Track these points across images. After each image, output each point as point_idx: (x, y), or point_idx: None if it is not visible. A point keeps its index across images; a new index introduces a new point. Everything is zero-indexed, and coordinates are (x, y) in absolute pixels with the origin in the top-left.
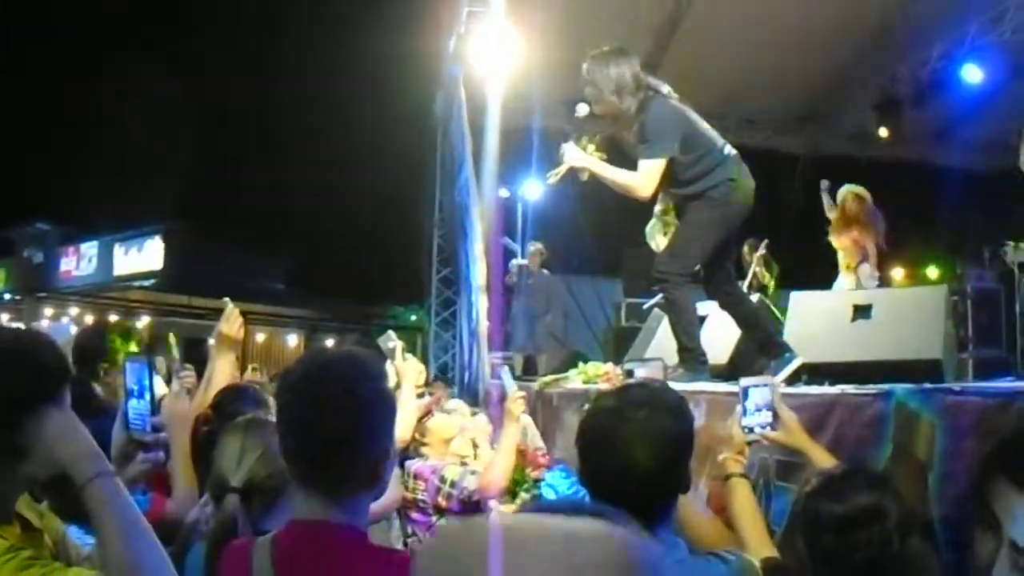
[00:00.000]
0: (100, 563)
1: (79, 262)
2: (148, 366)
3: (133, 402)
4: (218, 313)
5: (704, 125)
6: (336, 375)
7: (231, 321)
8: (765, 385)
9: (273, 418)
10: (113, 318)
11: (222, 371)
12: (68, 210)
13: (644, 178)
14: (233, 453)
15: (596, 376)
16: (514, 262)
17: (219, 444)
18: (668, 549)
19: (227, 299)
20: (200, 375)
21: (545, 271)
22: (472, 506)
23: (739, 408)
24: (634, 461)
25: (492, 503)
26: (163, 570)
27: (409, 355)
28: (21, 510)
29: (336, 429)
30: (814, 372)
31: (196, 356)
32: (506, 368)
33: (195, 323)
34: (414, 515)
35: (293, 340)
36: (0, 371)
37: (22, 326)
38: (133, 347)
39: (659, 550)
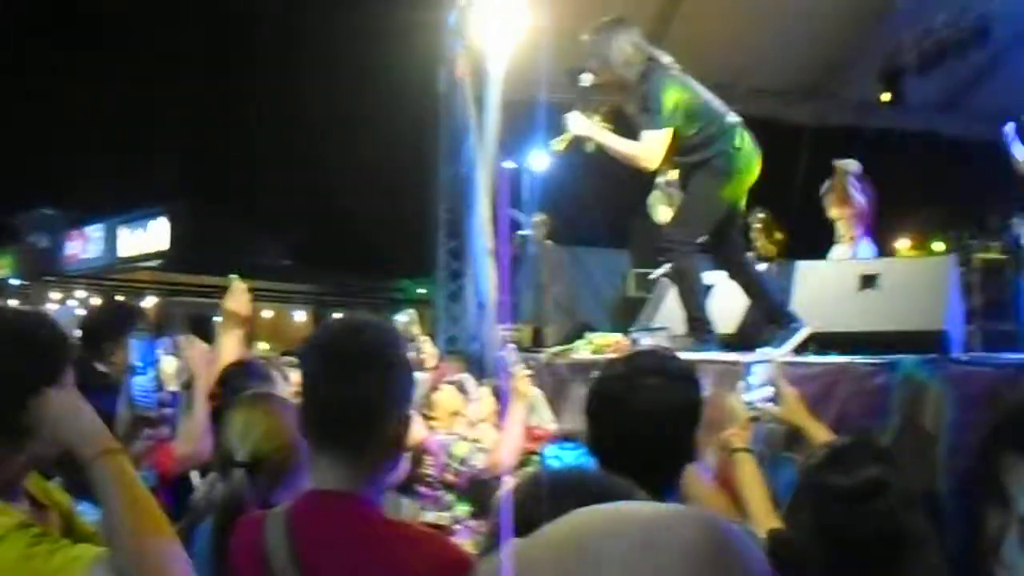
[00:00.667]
0: (106, 539)
1: (84, 245)
2: (153, 343)
3: (138, 379)
4: (225, 291)
5: (707, 95)
6: (362, 339)
7: (238, 298)
8: (767, 361)
9: (278, 392)
10: (120, 299)
11: (229, 348)
12: (71, 194)
13: (648, 148)
14: (239, 428)
15: (604, 346)
16: (520, 233)
17: (225, 419)
18: None
19: (234, 276)
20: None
21: (551, 242)
22: (480, 484)
23: (741, 383)
24: (642, 429)
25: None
26: (169, 546)
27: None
28: (29, 488)
29: (362, 392)
30: (821, 342)
31: (203, 334)
32: (511, 346)
33: (202, 301)
34: (421, 489)
35: (301, 316)
36: (2, 353)
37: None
38: None
39: (740, 528)
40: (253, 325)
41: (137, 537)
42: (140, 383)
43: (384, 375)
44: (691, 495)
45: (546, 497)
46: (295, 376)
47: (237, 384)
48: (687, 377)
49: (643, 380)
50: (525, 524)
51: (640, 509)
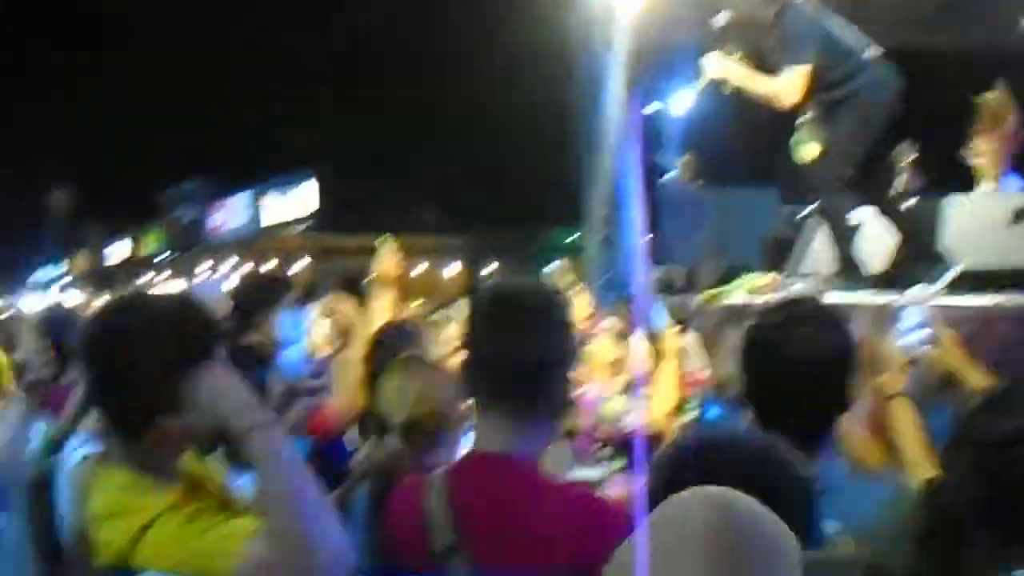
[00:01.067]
0: (261, 512)
1: (231, 215)
2: (303, 315)
3: (289, 350)
4: (375, 251)
5: (846, 28)
6: (528, 299)
7: (388, 259)
8: (921, 303)
9: (431, 354)
10: (270, 265)
11: (381, 309)
12: (215, 166)
13: (787, 86)
14: (393, 392)
15: (758, 287)
16: (666, 176)
17: (380, 383)
18: (827, 471)
19: (384, 237)
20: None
21: (697, 183)
22: (629, 442)
23: (896, 326)
24: (797, 379)
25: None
26: (325, 516)
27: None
28: (184, 463)
29: (528, 352)
30: (974, 280)
31: (355, 295)
32: (659, 303)
33: (353, 262)
34: (575, 444)
35: (452, 270)
36: (153, 336)
37: (181, 283)
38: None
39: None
40: (405, 284)
41: (291, 510)
42: (291, 355)
43: (551, 335)
44: (845, 444)
45: (696, 461)
46: (448, 331)
47: (390, 346)
48: (841, 324)
49: (797, 329)
50: (677, 490)
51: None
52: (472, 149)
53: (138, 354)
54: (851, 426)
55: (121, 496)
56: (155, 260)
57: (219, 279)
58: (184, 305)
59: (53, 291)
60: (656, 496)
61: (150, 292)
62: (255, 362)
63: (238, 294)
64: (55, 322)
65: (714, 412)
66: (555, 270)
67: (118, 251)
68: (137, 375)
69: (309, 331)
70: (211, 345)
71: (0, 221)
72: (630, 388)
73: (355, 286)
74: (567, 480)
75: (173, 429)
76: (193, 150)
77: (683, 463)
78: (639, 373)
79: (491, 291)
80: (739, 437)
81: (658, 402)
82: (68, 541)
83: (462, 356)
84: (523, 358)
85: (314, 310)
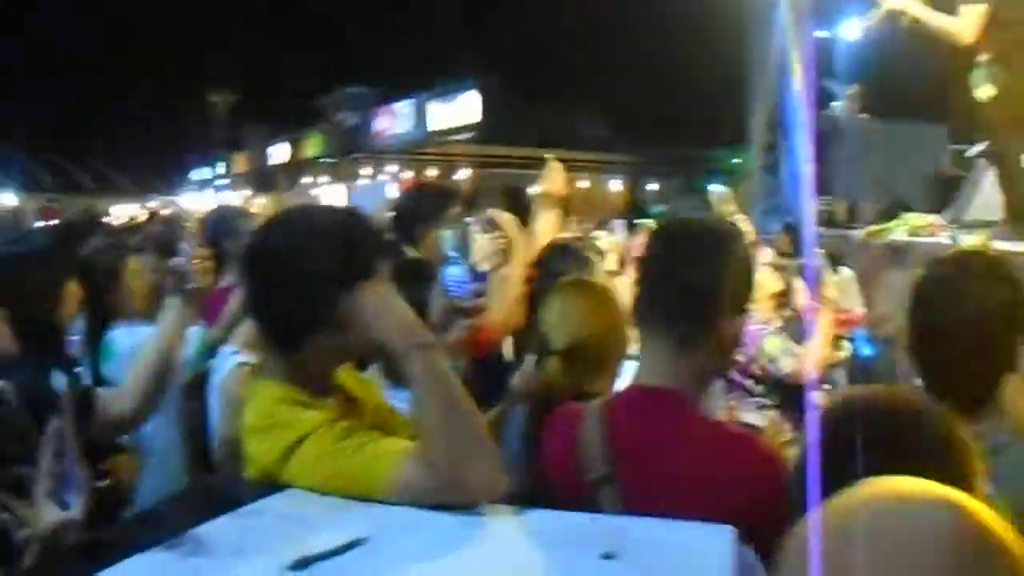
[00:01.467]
0: (417, 432)
1: (393, 121)
2: (467, 233)
3: (452, 269)
4: (538, 162)
5: None
6: (707, 234)
7: (554, 178)
8: None
9: (595, 276)
10: (432, 173)
11: (545, 228)
12: (377, 72)
13: (964, 23)
14: (556, 314)
15: (920, 228)
16: (833, 105)
17: (543, 304)
18: (991, 432)
19: (550, 156)
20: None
21: (865, 115)
22: (781, 385)
23: None
24: (964, 335)
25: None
26: (481, 443)
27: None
28: (340, 380)
29: (703, 285)
30: None
31: (517, 206)
32: (820, 254)
33: (515, 172)
34: (731, 375)
35: (615, 186)
36: (314, 250)
37: (341, 187)
38: None
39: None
40: (569, 203)
41: (448, 432)
42: (454, 273)
43: (726, 271)
44: (1009, 406)
45: (858, 423)
46: (606, 242)
47: (554, 267)
48: (1014, 279)
49: (967, 285)
50: (836, 450)
51: (901, 489)
52: (639, 65)
53: (299, 270)
54: (1019, 385)
55: (275, 409)
56: (315, 163)
57: (380, 185)
58: (349, 221)
59: (210, 191)
60: (827, 468)
61: (315, 204)
62: (417, 278)
63: (402, 204)
64: (216, 226)
65: (867, 350)
66: (718, 196)
67: (278, 153)
68: (297, 291)
69: (471, 249)
70: (374, 262)
71: (161, 121)
72: (790, 326)
73: (517, 197)
74: (728, 421)
75: (331, 345)
76: (354, 57)
77: (849, 429)
78: (800, 312)
79: (673, 222)
80: (899, 396)
81: (815, 350)
82: (217, 449)
83: (634, 283)
84: (699, 292)
85: (475, 224)
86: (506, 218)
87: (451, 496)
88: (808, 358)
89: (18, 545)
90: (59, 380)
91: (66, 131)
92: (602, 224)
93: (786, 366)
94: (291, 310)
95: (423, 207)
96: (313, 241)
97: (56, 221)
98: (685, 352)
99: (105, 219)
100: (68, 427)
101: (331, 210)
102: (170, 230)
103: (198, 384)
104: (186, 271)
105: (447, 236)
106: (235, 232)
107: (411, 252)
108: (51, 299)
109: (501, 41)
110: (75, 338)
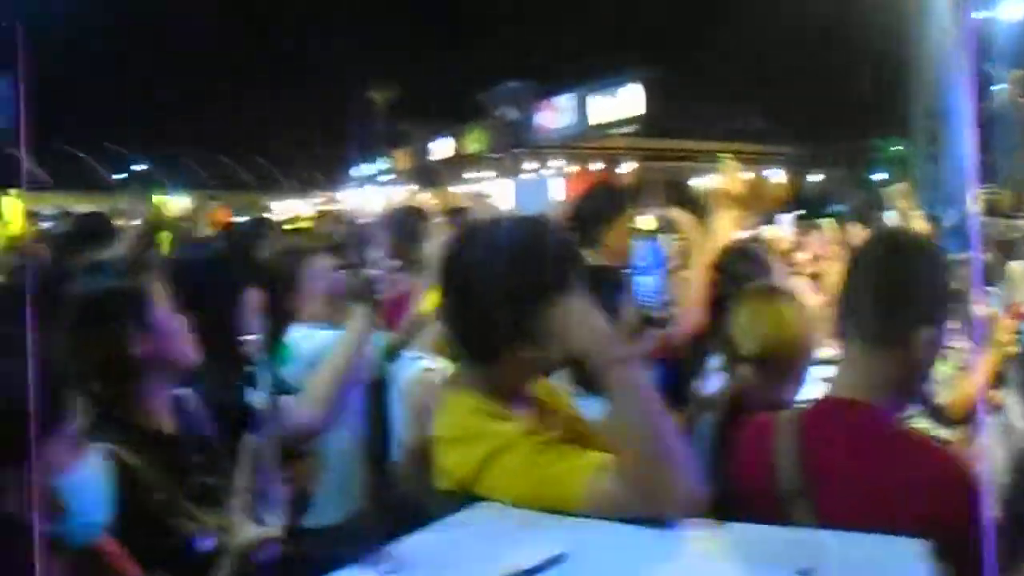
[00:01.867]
0: (613, 445)
1: (554, 115)
2: (657, 244)
3: (643, 278)
4: (697, 155)
5: None
6: (919, 249)
7: (731, 178)
8: None
9: (778, 281)
10: (596, 166)
11: (723, 229)
12: (537, 67)
13: None
14: (745, 322)
15: None
16: (995, 90)
17: (730, 311)
18: None
19: (726, 156)
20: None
21: None
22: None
23: None
24: None
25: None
26: (680, 456)
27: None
28: (535, 391)
29: (902, 299)
30: None
31: (681, 200)
32: (992, 291)
33: (678, 165)
34: None
35: (776, 178)
36: (513, 262)
37: (505, 182)
38: None
39: None
40: (748, 200)
41: (647, 449)
42: (646, 283)
43: (934, 291)
44: None
45: None
46: (775, 237)
47: (736, 271)
48: None
49: None
50: None
51: None
52: (798, 54)
53: (497, 284)
54: None
55: (469, 421)
56: (477, 158)
57: (543, 180)
58: (542, 231)
59: (371, 187)
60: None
61: (506, 215)
62: (608, 287)
63: (582, 205)
64: (400, 231)
65: None
66: (894, 192)
67: (440, 149)
68: (495, 305)
69: (664, 263)
70: (569, 275)
71: (322, 117)
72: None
73: (681, 189)
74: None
75: (527, 358)
76: (514, 52)
77: None
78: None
79: (882, 236)
80: None
81: (969, 390)
82: (400, 455)
83: (837, 295)
84: (904, 309)
85: (650, 220)
86: (686, 219)
87: (648, 509)
88: (961, 393)
89: (202, 555)
90: (252, 393)
91: (230, 129)
92: (767, 219)
93: (942, 396)
94: (489, 324)
95: (604, 208)
96: (509, 254)
97: (229, 220)
98: (883, 367)
99: (266, 215)
100: (268, 446)
101: (523, 221)
102: (345, 232)
103: (377, 388)
104: (377, 280)
105: (639, 246)
106: (415, 236)
107: (591, 256)
108: (232, 305)
109: (661, 34)
110: (254, 339)
